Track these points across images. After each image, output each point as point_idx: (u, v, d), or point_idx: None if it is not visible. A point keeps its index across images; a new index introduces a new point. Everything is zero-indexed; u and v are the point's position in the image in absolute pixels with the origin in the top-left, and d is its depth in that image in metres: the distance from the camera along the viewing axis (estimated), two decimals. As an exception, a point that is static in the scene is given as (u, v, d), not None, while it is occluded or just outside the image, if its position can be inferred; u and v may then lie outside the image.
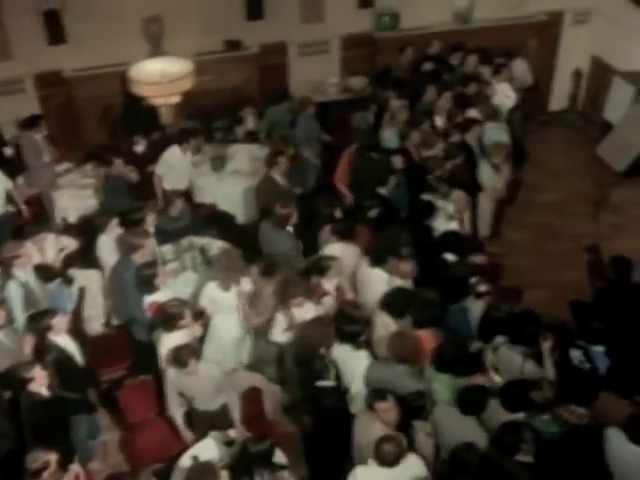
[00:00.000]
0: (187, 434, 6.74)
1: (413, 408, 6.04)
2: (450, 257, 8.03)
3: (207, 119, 10.64)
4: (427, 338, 6.80)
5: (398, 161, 9.28)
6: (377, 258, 7.57)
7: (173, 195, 8.93)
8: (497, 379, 6.67)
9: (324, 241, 7.91)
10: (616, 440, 5.80)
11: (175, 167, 9.47)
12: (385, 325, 7.04)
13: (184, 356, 6.35)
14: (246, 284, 7.47)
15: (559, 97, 13.55)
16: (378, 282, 7.44)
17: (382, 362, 6.62)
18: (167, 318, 6.85)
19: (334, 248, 7.72)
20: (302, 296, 7.11)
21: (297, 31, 11.39)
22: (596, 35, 12.71)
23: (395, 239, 7.86)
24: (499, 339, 6.91)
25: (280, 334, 7.20)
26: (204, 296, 7.48)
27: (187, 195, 9.53)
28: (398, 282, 7.40)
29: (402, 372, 6.41)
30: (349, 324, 6.65)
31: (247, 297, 7.37)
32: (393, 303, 7.06)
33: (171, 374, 6.56)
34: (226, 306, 7.39)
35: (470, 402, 6.02)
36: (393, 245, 7.66)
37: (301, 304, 7.11)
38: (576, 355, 7.21)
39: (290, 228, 8.19)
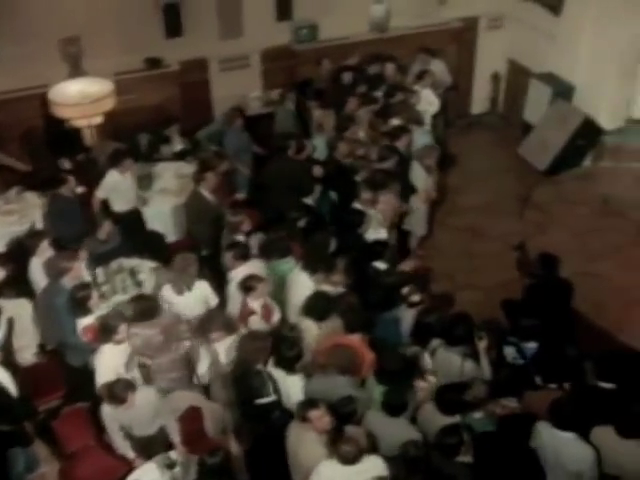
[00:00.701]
0: (130, 454, 6.61)
1: (343, 414, 6.04)
2: (380, 265, 8.09)
3: (131, 138, 10.52)
4: (363, 347, 6.84)
5: (318, 171, 9.39)
6: (308, 266, 7.62)
7: (100, 218, 8.82)
8: (433, 380, 6.70)
9: (229, 267, 7.82)
10: (545, 431, 5.91)
11: (118, 190, 9.33)
12: (308, 329, 7.10)
13: (120, 392, 6.18)
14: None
15: (480, 100, 13.81)
16: (303, 288, 7.48)
17: (321, 376, 6.61)
18: (103, 329, 6.75)
19: (239, 271, 7.60)
20: (221, 331, 6.97)
21: (217, 47, 11.34)
22: (511, 39, 13.02)
23: (323, 249, 7.96)
24: (435, 342, 7.00)
25: (205, 369, 7.06)
26: (161, 298, 7.49)
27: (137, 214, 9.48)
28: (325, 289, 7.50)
29: (343, 383, 6.41)
30: (288, 349, 6.58)
31: None
32: (314, 307, 7.15)
33: (108, 411, 6.37)
34: (180, 310, 7.40)
35: (394, 403, 6.05)
36: (322, 255, 7.76)
37: (220, 339, 6.96)
38: (510, 352, 7.29)
39: (241, 237, 8.22)
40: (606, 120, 11.67)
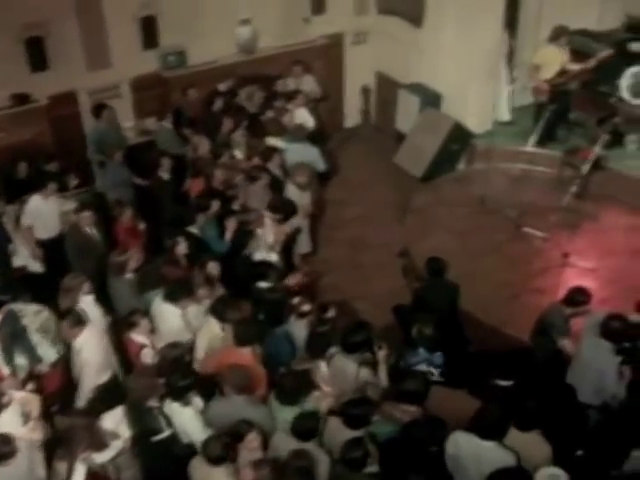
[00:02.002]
0: None
1: (235, 435, 5.99)
2: (264, 285, 8.09)
3: (9, 167, 10.19)
4: (256, 364, 6.85)
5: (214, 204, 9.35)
6: (170, 295, 7.59)
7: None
8: (328, 390, 6.75)
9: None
10: (465, 441, 5.97)
11: (41, 215, 9.13)
12: (211, 330, 7.25)
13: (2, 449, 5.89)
14: None
15: (352, 114, 14.04)
16: (172, 317, 7.48)
17: (220, 399, 6.57)
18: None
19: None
20: (89, 448, 6.16)
21: (85, 78, 11.12)
22: (377, 52, 13.31)
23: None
24: (332, 349, 7.02)
25: None
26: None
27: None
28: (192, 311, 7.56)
29: (242, 403, 6.39)
30: (180, 379, 6.47)
31: None
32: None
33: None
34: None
35: (304, 429, 6.01)
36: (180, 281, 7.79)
37: (88, 457, 6.13)
38: (424, 369, 7.41)
39: (130, 275, 8.09)
40: (475, 124, 12.12)
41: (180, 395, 6.45)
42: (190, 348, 7.36)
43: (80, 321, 7.16)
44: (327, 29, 12.85)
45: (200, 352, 7.40)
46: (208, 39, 11.62)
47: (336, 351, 6.98)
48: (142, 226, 9.42)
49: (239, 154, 10.42)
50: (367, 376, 6.77)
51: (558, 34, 11.62)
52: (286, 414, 6.29)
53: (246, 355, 6.88)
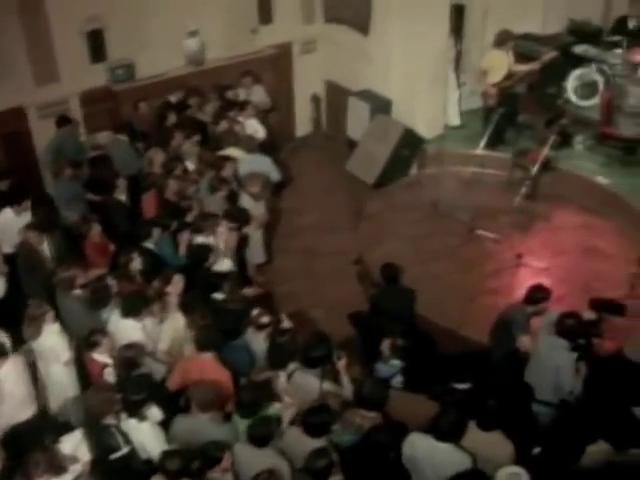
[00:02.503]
0: None
1: (210, 458, 5.94)
2: (218, 296, 8.07)
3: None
4: (223, 375, 6.81)
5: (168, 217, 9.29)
6: (129, 310, 7.52)
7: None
8: (289, 401, 6.72)
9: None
10: (421, 443, 5.98)
11: (8, 230, 9.01)
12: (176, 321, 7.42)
13: None
14: None
15: (303, 123, 14.05)
16: (133, 331, 7.42)
17: (185, 415, 6.51)
18: None
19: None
20: (47, 473, 5.94)
21: (33, 94, 10.99)
22: (326, 61, 13.36)
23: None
24: (292, 366, 6.95)
25: None
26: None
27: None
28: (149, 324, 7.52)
29: (206, 421, 6.31)
30: (134, 393, 6.39)
31: None
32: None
33: None
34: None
35: (259, 434, 5.99)
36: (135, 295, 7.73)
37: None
38: (396, 381, 7.40)
39: (78, 291, 7.97)
40: (425, 129, 12.20)
41: (136, 410, 6.37)
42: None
43: (1, 352, 7.02)
44: (275, 39, 12.86)
45: (164, 344, 7.46)
46: (156, 51, 11.56)
47: (296, 367, 6.91)
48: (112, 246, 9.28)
49: (190, 165, 10.35)
50: (330, 388, 6.72)
51: (503, 39, 11.80)
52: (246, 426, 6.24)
53: (209, 361, 6.85)
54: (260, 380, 6.91)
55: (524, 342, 7.49)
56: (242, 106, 11.42)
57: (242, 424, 6.33)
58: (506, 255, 10.09)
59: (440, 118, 12.46)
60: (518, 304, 7.70)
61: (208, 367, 6.82)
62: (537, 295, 7.58)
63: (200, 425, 6.29)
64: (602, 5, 13.56)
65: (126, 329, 7.49)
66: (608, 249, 10.38)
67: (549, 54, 12.12)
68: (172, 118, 11.20)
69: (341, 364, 6.83)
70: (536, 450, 6.28)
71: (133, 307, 7.52)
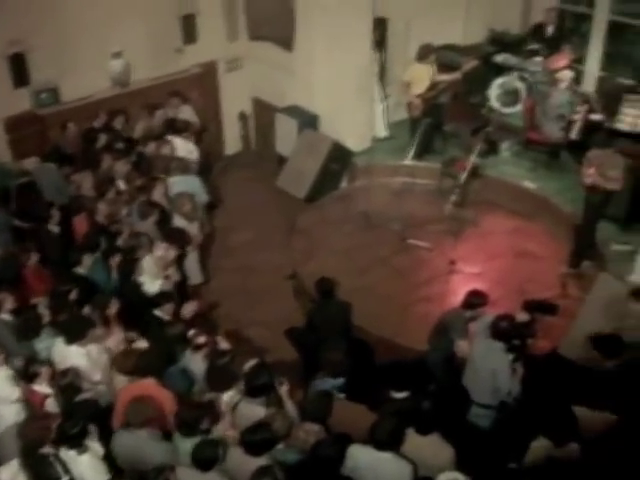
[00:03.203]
0: None
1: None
2: (164, 316, 7.98)
3: None
4: (161, 393, 6.70)
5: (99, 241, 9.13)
6: (71, 335, 7.36)
7: None
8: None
9: None
10: (362, 453, 5.95)
11: None
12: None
13: None
14: None
15: (232, 141, 14.04)
16: (78, 358, 7.27)
17: (125, 430, 6.38)
18: None
19: None
20: None
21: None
22: (252, 78, 13.38)
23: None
24: (235, 397, 6.83)
25: None
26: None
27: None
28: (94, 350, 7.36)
29: (144, 437, 6.21)
30: (71, 427, 6.19)
31: None
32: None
33: None
34: None
35: (203, 458, 5.91)
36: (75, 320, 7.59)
37: None
38: (319, 384, 7.34)
39: (6, 315, 7.79)
40: (353, 142, 12.29)
41: (75, 443, 6.21)
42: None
43: None
44: (200, 58, 12.84)
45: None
46: (81, 74, 11.41)
47: (240, 397, 6.80)
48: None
49: (122, 184, 10.22)
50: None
51: (425, 53, 12.01)
52: (187, 446, 6.12)
53: (151, 385, 6.73)
54: (203, 401, 6.82)
55: (461, 347, 7.55)
56: (182, 128, 11.36)
57: (183, 443, 6.23)
58: (439, 262, 10.20)
59: (367, 131, 12.59)
60: (456, 309, 7.76)
61: (151, 391, 6.68)
62: (475, 300, 7.63)
63: (139, 441, 6.20)
64: (520, 14, 13.89)
65: (70, 356, 7.32)
66: (539, 251, 10.59)
67: (470, 63, 12.37)
68: (102, 140, 11.04)
69: (283, 390, 6.76)
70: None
71: (75, 333, 7.34)
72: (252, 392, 6.69)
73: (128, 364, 7.02)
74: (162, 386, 6.82)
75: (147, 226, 9.45)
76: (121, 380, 7.06)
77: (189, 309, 8.24)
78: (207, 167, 12.10)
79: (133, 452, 6.09)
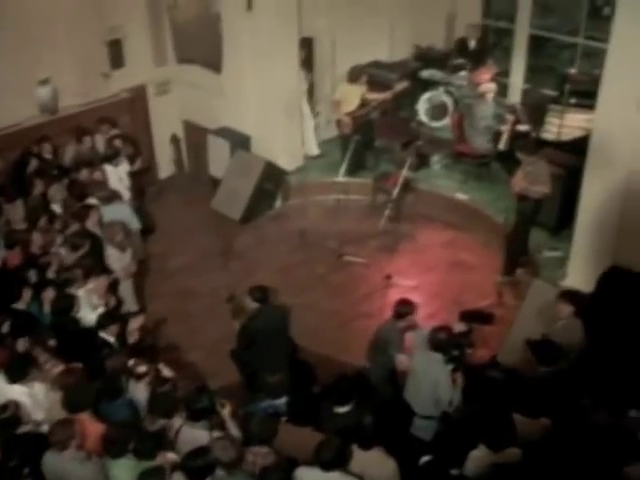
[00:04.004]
0: None
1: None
2: (108, 337, 7.90)
3: None
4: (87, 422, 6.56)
5: (32, 274, 8.96)
6: (13, 375, 7.20)
7: None
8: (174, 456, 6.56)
9: None
10: (309, 475, 5.93)
11: None
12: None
13: None
14: None
15: (165, 165, 13.91)
16: (20, 397, 7.04)
17: (51, 452, 6.24)
18: None
19: None
20: None
21: None
22: (182, 101, 13.32)
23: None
24: (177, 421, 6.72)
25: None
26: None
27: None
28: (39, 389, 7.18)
29: (67, 458, 6.08)
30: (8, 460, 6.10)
31: None
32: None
33: None
34: None
35: None
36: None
37: None
38: (263, 406, 7.34)
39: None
40: (286, 161, 12.33)
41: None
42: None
43: None
44: (129, 82, 12.72)
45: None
46: (8, 102, 11.17)
47: (182, 421, 6.70)
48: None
49: (57, 208, 10.08)
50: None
51: (356, 75, 12.18)
52: (121, 471, 6.09)
53: (83, 419, 6.55)
54: (154, 429, 6.70)
55: (402, 361, 7.61)
56: (111, 155, 11.23)
57: (116, 467, 6.16)
58: (376, 278, 10.29)
59: (299, 149, 12.65)
60: (388, 322, 7.84)
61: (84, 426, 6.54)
62: (403, 309, 7.73)
63: (62, 461, 6.10)
64: (444, 30, 14.15)
65: (14, 395, 7.08)
66: (473, 261, 10.78)
67: (401, 85, 12.65)
68: (33, 164, 10.87)
69: (226, 412, 6.73)
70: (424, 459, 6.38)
71: (17, 371, 7.17)
72: (193, 416, 6.61)
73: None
74: (97, 420, 6.69)
75: (77, 257, 9.30)
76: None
77: (134, 325, 8.18)
78: (139, 193, 12.00)
79: (60, 473, 6.02)
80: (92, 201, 10.24)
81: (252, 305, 8.18)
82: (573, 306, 7.66)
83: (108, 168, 11.02)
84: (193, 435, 6.53)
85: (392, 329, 7.75)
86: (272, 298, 8.33)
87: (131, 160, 11.64)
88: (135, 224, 10.55)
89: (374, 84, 12.63)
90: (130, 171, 11.44)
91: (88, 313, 8.47)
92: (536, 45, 13.61)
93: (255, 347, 8.03)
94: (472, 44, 13.24)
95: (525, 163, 9.66)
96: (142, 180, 12.34)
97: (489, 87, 11.96)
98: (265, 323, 8.09)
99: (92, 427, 6.54)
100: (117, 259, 9.58)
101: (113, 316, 8.25)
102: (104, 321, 8.03)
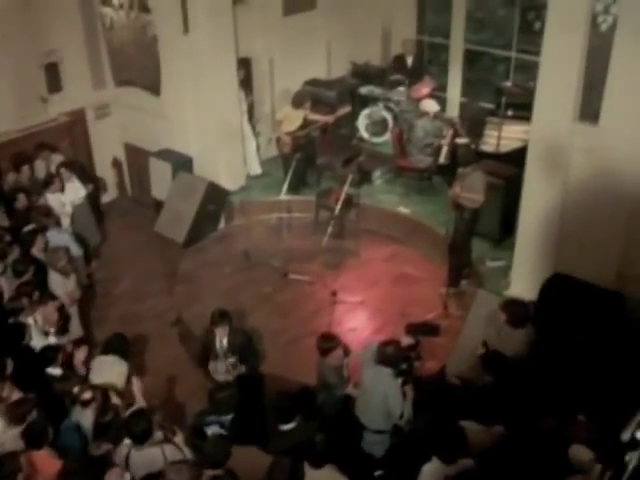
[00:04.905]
0: None
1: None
2: (54, 371, 7.77)
3: None
4: (45, 459, 6.46)
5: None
6: None
7: None
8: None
9: None
10: None
11: None
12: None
13: None
14: None
15: (108, 188, 13.81)
16: None
17: None
18: None
19: None
20: None
21: None
22: (122, 124, 13.27)
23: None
24: (126, 442, 6.65)
25: None
26: None
27: None
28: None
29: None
30: None
31: None
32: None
33: None
34: None
35: None
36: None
37: None
38: (212, 430, 7.27)
39: None
40: (228, 182, 12.32)
41: None
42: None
43: None
44: (67, 106, 12.61)
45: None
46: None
47: (129, 443, 6.62)
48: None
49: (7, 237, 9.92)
50: (174, 453, 6.52)
51: (300, 100, 12.25)
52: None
53: (43, 456, 6.46)
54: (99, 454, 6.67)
55: (350, 392, 7.65)
56: (48, 181, 11.09)
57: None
58: (322, 295, 10.28)
59: (241, 169, 12.64)
60: (321, 361, 7.70)
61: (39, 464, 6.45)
62: (326, 344, 7.62)
63: None
64: (381, 46, 14.31)
65: None
66: (418, 274, 10.88)
67: (344, 109, 12.78)
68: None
69: (178, 439, 6.69)
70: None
71: None
72: (136, 440, 6.55)
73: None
74: (54, 457, 6.56)
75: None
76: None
77: (80, 356, 8.07)
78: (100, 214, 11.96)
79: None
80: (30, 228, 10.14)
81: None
82: (507, 315, 7.76)
83: (48, 195, 10.91)
84: (142, 459, 6.50)
85: (327, 369, 7.66)
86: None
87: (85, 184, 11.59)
88: (75, 251, 10.44)
89: (313, 102, 12.70)
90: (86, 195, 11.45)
91: (40, 340, 8.36)
92: (471, 59, 13.89)
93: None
94: (409, 61, 13.42)
95: (462, 174, 9.79)
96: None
97: (430, 105, 12.14)
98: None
99: (49, 464, 6.44)
100: (61, 284, 9.48)
101: (56, 347, 8.11)
102: (48, 353, 7.92)
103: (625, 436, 5.63)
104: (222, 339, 8.18)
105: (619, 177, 8.34)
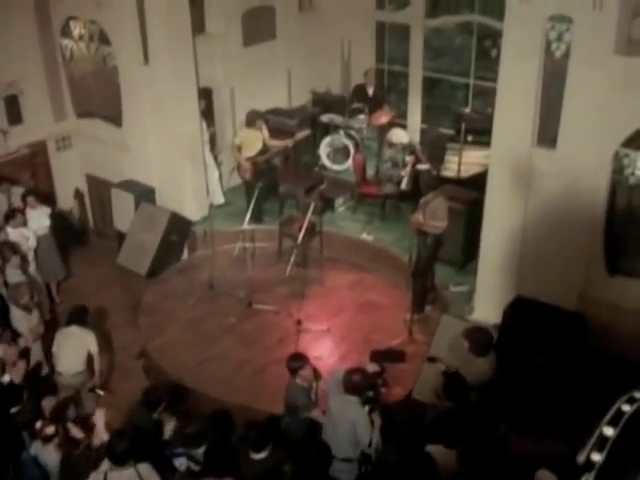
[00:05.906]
0: None
1: None
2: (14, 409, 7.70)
3: None
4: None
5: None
6: None
7: None
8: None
9: None
10: None
11: None
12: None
13: None
14: None
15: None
16: None
17: None
18: None
19: None
20: None
21: None
22: (84, 155, 13.22)
23: None
24: (104, 466, 6.57)
25: None
26: None
27: None
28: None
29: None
30: None
31: None
32: None
33: None
34: None
35: None
36: None
37: None
38: (180, 462, 7.20)
39: None
40: (191, 212, 12.31)
41: None
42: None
43: None
44: (28, 138, 12.54)
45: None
46: None
47: (109, 466, 6.54)
48: None
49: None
50: (150, 474, 6.54)
51: (252, 118, 12.31)
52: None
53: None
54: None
55: (316, 416, 7.63)
56: (10, 215, 10.95)
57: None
58: (287, 324, 10.26)
59: (204, 199, 12.60)
60: (291, 382, 7.70)
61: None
62: (294, 364, 7.64)
63: None
64: (341, 75, 14.44)
65: None
66: (382, 301, 10.92)
67: (303, 132, 12.80)
68: None
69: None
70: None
71: None
72: (116, 461, 6.48)
73: None
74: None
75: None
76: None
77: (47, 406, 8.00)
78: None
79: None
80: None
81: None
82: (470, 343, 7.80)
83: (9, 230, 10.80)
84: (120, 477, 6.45)
85: (297, 391, 7.65)
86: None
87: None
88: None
89: (275, 131, 12.76)
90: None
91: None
92: (431, 86, 14.09)
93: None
94: (370, 90, 13.55)
95: (424, 200, 9.86)
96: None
97: (401, 137, 12.29)
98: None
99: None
100: (24, 320, 9.41)
101: (20, 388, 8.02)
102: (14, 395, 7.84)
103: (581, 458, 5.63)
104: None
105: (578, 199, 8.48)
